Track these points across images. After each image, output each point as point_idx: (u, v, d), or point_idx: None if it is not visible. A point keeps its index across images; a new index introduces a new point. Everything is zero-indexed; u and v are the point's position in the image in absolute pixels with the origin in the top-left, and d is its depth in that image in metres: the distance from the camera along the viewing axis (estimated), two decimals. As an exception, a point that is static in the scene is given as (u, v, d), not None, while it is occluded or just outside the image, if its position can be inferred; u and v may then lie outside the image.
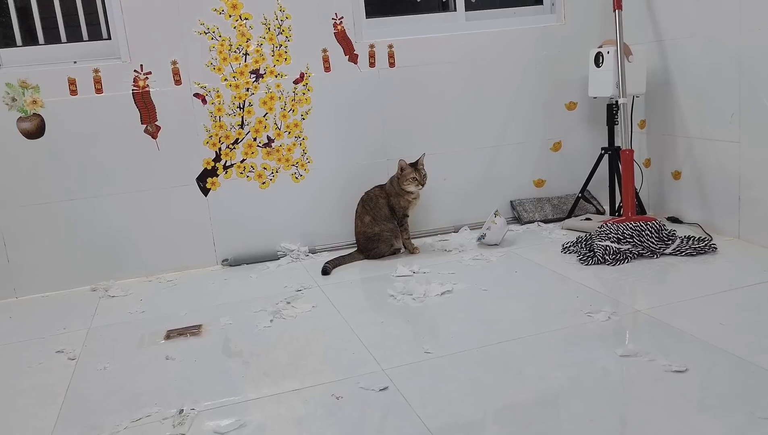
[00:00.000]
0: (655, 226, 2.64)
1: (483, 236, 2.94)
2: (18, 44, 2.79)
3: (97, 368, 2.03)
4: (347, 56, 3.02)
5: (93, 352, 2.16)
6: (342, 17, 2.98)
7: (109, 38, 2.83)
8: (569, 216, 3.27)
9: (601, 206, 3.30)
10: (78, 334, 2.33)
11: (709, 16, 2.75)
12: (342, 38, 3.00)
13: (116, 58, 2.80)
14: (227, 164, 2.95)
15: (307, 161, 3.05)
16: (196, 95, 2.87)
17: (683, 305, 2.13)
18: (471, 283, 2.49)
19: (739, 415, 1.47)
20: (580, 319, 2.08)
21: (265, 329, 2.22)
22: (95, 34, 2.86)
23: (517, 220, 3.30)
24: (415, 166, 2.86)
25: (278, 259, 3.03)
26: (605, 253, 2.58)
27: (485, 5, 3.31)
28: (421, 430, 1.53)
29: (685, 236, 2.70)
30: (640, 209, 3.12)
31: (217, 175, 2.95)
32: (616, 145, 3.13)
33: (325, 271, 2.77)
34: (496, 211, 2.97)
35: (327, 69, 3.01)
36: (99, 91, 2.77)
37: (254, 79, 2.92)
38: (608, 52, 2.94)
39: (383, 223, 2.91)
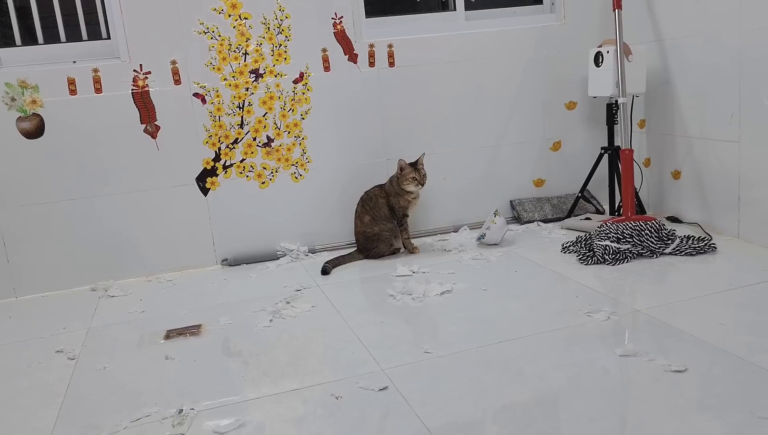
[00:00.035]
0: (655, 226, 2.64)
1: (483, 236, 2.94)
2: (17, 44, 2.79)
3: (97, 368, 2.03)
4: (347, 56, 3.02)
5: (93, 352, 2.16)
6: (341, 17, 2.98)
7: (109, 38, 2.83)
8: (569, 216, 3.27)
9: (601, 206, 3.30)
10: (78, 334, 2.33)
11: (709, 16, 2.75)
12: (342, 38, 3.00)
13: (116, 58, 2.80)
14: (227, 164, 2.95)
15: (306, 161, 3.05)
16: (196, 95, 2.87)
17: (683, 305, 2.12)
18: (470, 283, 2.49)
19: (739, 415, 1.47)
20: (580, 319, 2.08)
21: (265, 329, 2.22)
22: (95, 34, 2.86)
23: (517, 219, 3.30)
24: (415, 165, 2.86)
25: (278, 258, 3.03)
26: (605, 252, 2.58)
27: (485, 5, 3.31)
28: (421, 430, 1.53)
29: (684, 236, 2.70)
30: (640, 209, 3.12)
31: (217, 175, 2.95)
32: (615, 144, 3.13)
33: (325, 271, 2.77)
34: (496, 210, 2.97)
35: (327, 69, 3.01)
36: (98, 90, 2.77)
37: (254, 79, 2.92)
38: (608, 52, 2.94)
39: (383, 223, 2.91)
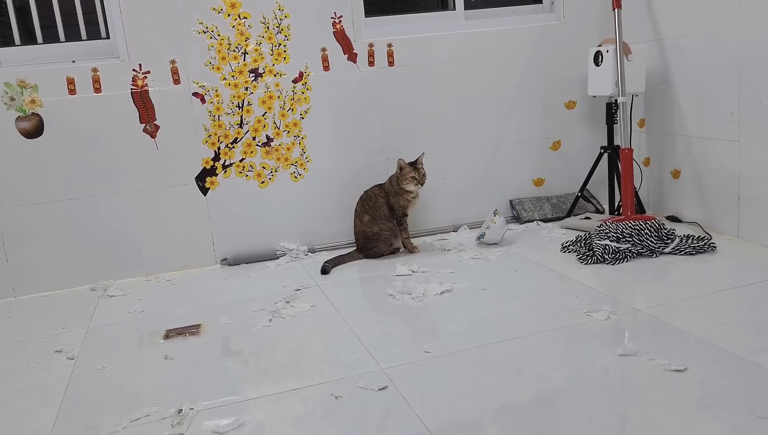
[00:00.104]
0: (655, 225, 2.64)
1: (482, 235, 2.94)
2: (16, 43, 2.78)
3: (96, 368, 2.03)
4: (346, 55, 3.02)
5: (92, 352, 2.16)
6: (341, 16, 2.98)
7: (108, 37, 2.83)
8: (568, 215, 3.27)
9: (601, 205, 3.30)
10: (77, 334, 2.33)
11: (709, 15, 2.75)
12: (341, 37, 3.00)
13: (115, 58, 2.79)
14: (226, 163, 2.95)
15: (306, 160, 3.05)
16: (195, 94, 2.87)
17: (682, 304, 2.12)
18: (470, 283, 2.49)
19: (739, 414, 1.47)
20: (580, 318, 2.08)
21: (264, 329, 2.22)
22: (94, 34, 2.86)
23: (517, 219, 3.30)
24: (415, 165, 2.86)
25: (277, 258, 3.03)
26: (604, 252, 2.58)
27: (484, 4, 3.31)
28: (421, 430, 1.53)
29: (684, 235, 2.70)
30: (640, 208, 3.12)
31: (216, 175, 2.95)
32: (615, 144, 3.13)
33: (325, 271, 2.77)
34: (496, 210, 2.97)
35: (326, 68, 3.00)
36: (98, 90, 2.76)
37: (253, 79, 2.92)
38: (608, 51, 2.94)
39: (382, 223, 2.91)
